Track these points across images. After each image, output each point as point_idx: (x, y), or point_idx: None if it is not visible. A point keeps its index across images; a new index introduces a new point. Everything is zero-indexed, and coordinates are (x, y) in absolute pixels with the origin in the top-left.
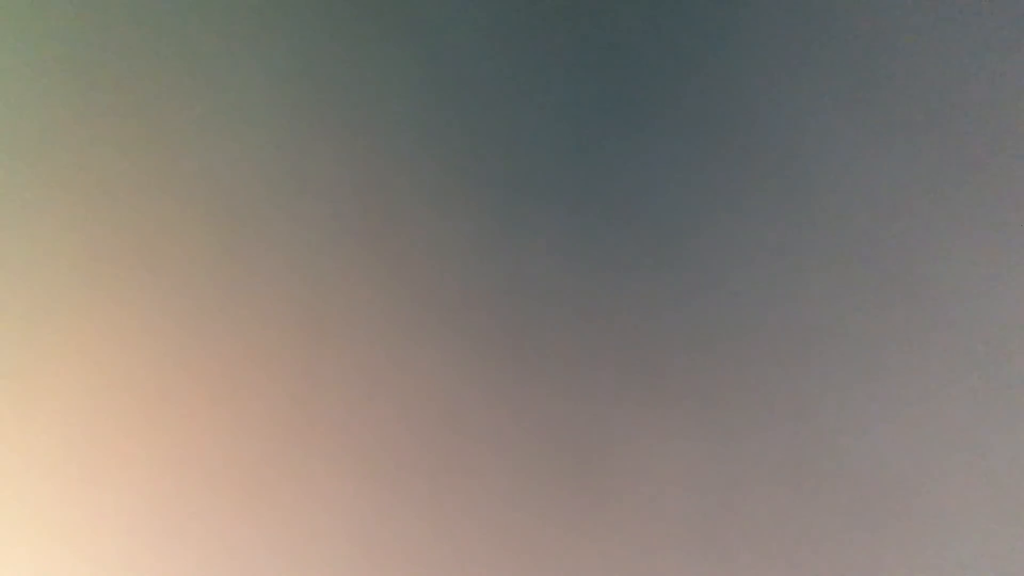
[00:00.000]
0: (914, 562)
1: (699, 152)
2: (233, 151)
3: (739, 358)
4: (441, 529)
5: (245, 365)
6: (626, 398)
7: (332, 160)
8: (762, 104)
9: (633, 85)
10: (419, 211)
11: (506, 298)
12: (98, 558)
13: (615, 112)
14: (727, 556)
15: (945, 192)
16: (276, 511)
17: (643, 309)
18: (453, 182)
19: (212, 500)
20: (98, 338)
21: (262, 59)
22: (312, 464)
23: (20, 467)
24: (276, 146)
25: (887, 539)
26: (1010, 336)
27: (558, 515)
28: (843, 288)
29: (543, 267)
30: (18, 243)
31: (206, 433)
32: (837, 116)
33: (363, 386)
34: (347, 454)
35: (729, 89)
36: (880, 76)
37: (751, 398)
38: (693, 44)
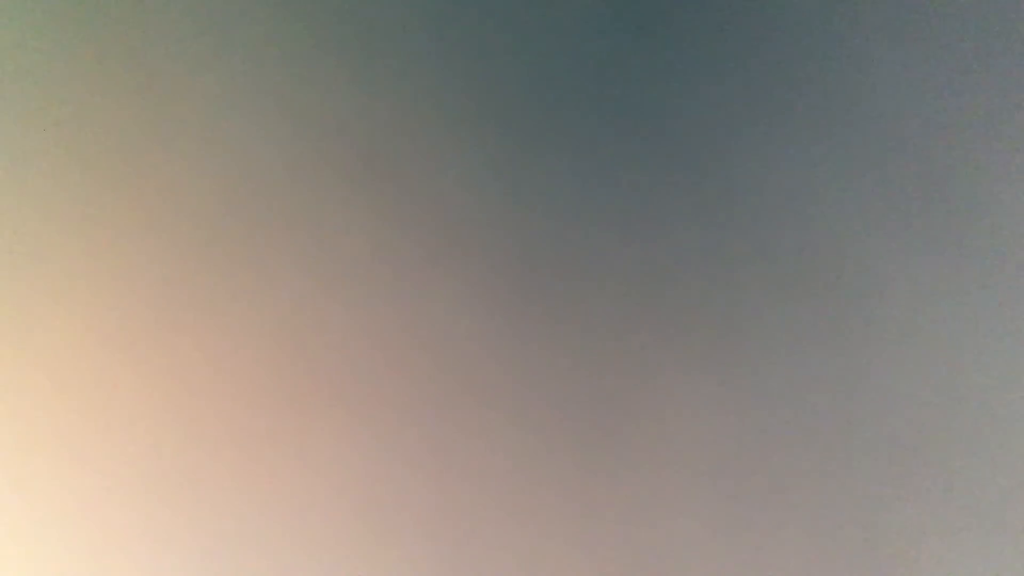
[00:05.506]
0: (932, 491)
1: (723, 76)
2: (236, 73)
3: (756, 289)
4: (462, 459)
5: (252, 300)
6: (645, 330)
7: (343, 87)
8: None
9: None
10: (435, 139)
11: (522, 231)
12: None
13: (638, 28)
14: (744, 483)
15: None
16: (288, 449)
17: (661, 236)
18: (469, 106)
19: (221, 429)
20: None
21: None
22: (326, 403)
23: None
24: (286, 62)
25: (904, 466)
26: None
27: (577, 448)
28: (857, 214)
29: (561, 196)
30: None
31: (216, 358)
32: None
33: (379, 321)
34: (362, 393)
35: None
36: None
37: (767, 330)
38: None
